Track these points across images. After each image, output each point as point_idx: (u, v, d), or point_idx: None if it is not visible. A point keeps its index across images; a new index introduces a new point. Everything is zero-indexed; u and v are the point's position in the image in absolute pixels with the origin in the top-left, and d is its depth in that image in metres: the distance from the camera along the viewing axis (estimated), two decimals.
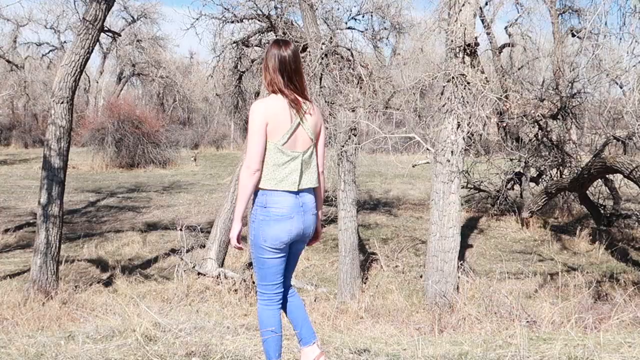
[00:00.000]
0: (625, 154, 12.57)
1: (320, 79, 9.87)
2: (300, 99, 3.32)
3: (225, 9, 12.84)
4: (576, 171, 12.31)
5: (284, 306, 3.50)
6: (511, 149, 14.89)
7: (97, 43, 11.61)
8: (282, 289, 3.43)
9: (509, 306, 6.84)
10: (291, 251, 3.42)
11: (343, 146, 9.80)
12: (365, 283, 10.47)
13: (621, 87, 18.35)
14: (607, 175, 12.92)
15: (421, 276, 10.11)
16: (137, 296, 8.30)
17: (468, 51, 8.29)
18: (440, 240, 8.47)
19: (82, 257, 12.09)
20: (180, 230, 10.64)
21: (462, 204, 9.76)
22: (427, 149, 8.94)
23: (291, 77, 3.31)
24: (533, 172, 14.89)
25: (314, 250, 12.25)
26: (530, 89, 15.99)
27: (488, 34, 20.43)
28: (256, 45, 13.68)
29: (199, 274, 10.30)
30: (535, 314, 6.84)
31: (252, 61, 13.95)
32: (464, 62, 8.30)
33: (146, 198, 18.76)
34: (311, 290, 9.95)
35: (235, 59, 13.80)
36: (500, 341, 4.72)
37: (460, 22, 8.20)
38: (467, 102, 8.23)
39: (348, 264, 9.89)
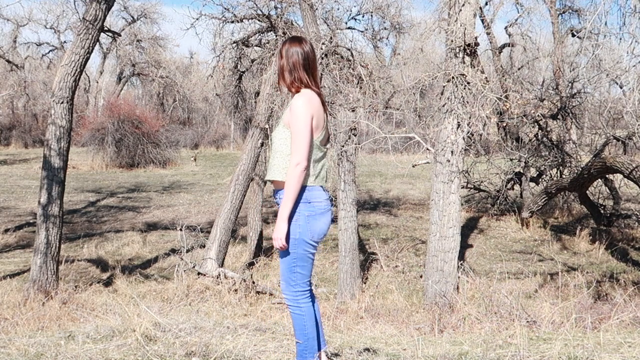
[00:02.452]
0: (625, 154, 12.57)
1: (320, 79, 9.88)
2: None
3: (225, 9, 12.83)
4: (576, 171, 12.30)
5: None
6: (511, 149, 14.89)
7: (97, 43, 11.61)
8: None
9: (509, 306, 6.84)
10: None
11: (343, 146, 9.80)
12: (365, 283, 10.47)
13: (621, 87, 18.37)
14: (607, 175, 12.92)
15: (421, 276, 10.11)
16: (137, 296, 8.30)
17: (468, 51, 8.29)
18: (440, 240, 8.47)
19: (82, 257, 12.09)
20: (180, 230, 10.64)
21: (462, 204, 9.76)
22: (427, 149, 8.94)
23: (313, 73, 3.35)
24: (533, 172, 14.89)
25: None
26: (530, 89, 15.99)
27: (488, 34, 20.46)
28: (256, 45, 13.68)
29: (199, 274, 10.30)
30: (535, 314, 6.84)
31: (252, 61, 13.94)
32: (464, 62, 8.30)
33: (146, 198, 18.76)
34: None
35: (235, 59, 13.80)
36: (500, 341, 4.72)
37: (460, 22, 8.20)
38: (467, 102, 8.23)
39: (348, 264, 9.89)
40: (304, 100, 3.25)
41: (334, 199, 10.78)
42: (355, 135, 10.03)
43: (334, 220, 3.56)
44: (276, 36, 12.26)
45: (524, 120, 14.22)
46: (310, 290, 3.48)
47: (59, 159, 9.37)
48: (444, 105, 8.43)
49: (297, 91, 3.34)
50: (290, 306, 3.38)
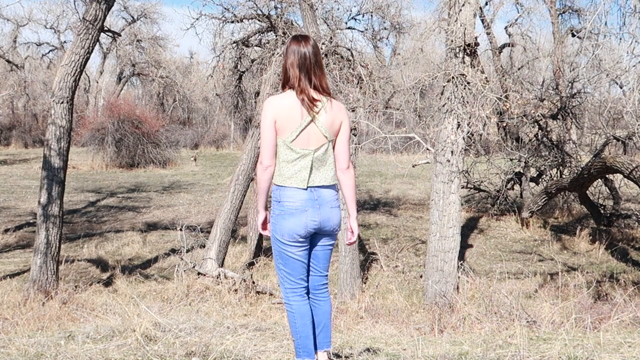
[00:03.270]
0: (625, 154, 12.56)
1: None
2: (316, 95, 3.31)
3: (225, 9, 12.84)
4: (576, 171, 12.30)
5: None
6: (511, 149, 14.89)
7: (97, 43, 11.61)
8: (307, 283, 3.46)
9: (509, 306, 6.84)
10: (315, 246, 3.43)
11: None
12: (365, 283, 10.47)
13: (621, 87, 18.38)
14: (607, 175, 12.91)
15: (421, 276, 10.11)
16: (137, 296, 8.30)
17: (468, 51, 8.29)
18: (440, 240, 8.47)
19: (82, 257, 12.09)
20: (180, 230, 10.64)
21: (462, 204, 9.76)
22: (427, 149, 8.95)
23: (310, 72, 3.31)
24: (533, 172, 14.88)
25: None
26: (530, 89, 15.99)
27: (488, 34, 20.46)
28: (256, 45, 13.68)
29: (199, 274, 10.30)
30: (535, 314, 6.84)
31: (252, 61, 13.95)
32: (464, 62, 8.31)
33: (146, 198, 18.75)
34: None
35: (235, 59, 13.80)
36: (500, 341, 4.72)
37: (460, 22, 8.20)
38: (467, 102, 8.24)
39: (348, 264, 9.90)
40: (267, 102, 3.32)
41: None
42: (355, 135, 10.03)
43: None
44: (276, 36, 12.25)
45: (524, 120, 14.21)
46: (307, 288, 3.46)
47: (59, 159, 9.37)
48: (444, 105, 8.43)
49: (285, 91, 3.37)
50: (284, 303, 3.46)
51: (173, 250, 12.15)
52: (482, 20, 19.79)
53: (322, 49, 10.00)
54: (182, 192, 19.81)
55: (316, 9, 11.51)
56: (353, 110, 9.90)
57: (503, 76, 17.41)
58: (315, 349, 3.45)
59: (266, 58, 12.49)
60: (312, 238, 3.40)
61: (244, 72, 14.18)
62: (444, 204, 8.44)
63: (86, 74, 35.21)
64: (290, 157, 3.29)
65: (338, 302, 9.06)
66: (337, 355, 4.11)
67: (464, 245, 11.68)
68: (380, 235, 13.76)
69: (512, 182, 15.18)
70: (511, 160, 15.17)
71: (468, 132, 8.48)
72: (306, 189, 3.30)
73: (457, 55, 8.31)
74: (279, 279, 3.46)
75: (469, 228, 14.06)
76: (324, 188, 3.35)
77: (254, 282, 10.01)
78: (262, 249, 12.42)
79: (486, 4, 22.40)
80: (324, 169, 3.35)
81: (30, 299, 8.68)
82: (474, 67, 8.46)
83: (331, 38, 10.97)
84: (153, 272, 11.33)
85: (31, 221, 14.37)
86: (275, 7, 12.62)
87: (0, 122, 36.53)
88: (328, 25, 13.99)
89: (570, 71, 18.07)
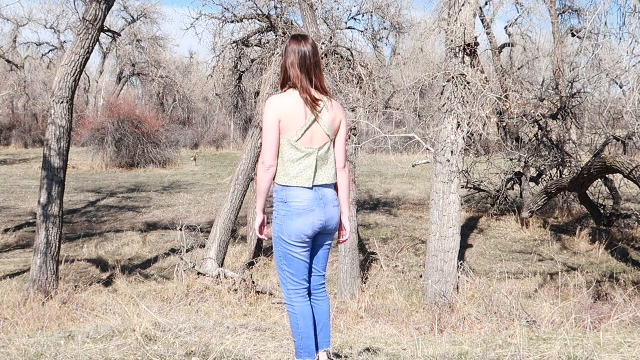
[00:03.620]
0: (625, 154, 12.56)
1: None
2: (317, 94, 3.32)
3: (225, 9, 12.83)
4: (576, 171, 12.30)
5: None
6: (511, 149, 14.89)
7: (97, 43, 11.61)
8: (309, 283, 3.45)
9: (509, 306, 6.84)
10: (317, 245, 3.43)
11: None
12: (365, 283, 10.47)
13: (621, 87, 18.38)
14: (607, 175, 12.91)
15: (421, 276, 10.11)
16: (137, 296, 8.30)
17: (468, 51, 8.29)
18: (440, 240, 8.47)
19: (82, 257, 12.09)
20: (180, 230, 10.64)
21: (462, 204, 9.76)
22: (427, 149, 8.95)
23: (310, 72, 3.31)
24: (533, 172, 14.89)
25: None
26: (530, 89, 15.99)
27: (488, 34, 20.47)
28: (256, 45, 13.68)
29: (199, 274, 10.30)
30: (535, 314, 6.84)
31: (252, 61, 13.95)
32: (464, 62, 8.30)
33: (146, 198, 18.76)
34: None
35: (235, 59, 13.80)
36: (500, 341, 4.72)
37: (460, 22, 8.20)
38: (467, 102, 8.23)
39: (348, 264, 9.90)
40: (271, 101, 3.30)
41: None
42: (355, 135, 10.04)
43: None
44: (276, 36, 12.26)
45: (524, 120, 14.21)
46: (309, 289, 3.46)
47: (59, 159, 9.37)
48: (444, 105, 8.43)
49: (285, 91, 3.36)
50: (285, 304, 3.44)
51: (173, 250, 12.15)
52: (482, 20, 19.80)
53: (322, 49, 10.00)
54: (182, 192, 19.81)
55: (316, 9, 11.51)
56: (353, 110, 9.90)
57: (503, 76, 17.41)
58: (316, 349, 3.45)
59: (266, 58, 12.49)
60: (315, 238, 3.40)
61: (244, 72, 14.18)
62: (444, 204, 8.44)
63: (86, 74, 35.22)
64: (295, 156, 3.29)
65: (338, 302, 9.06)
66: (337, 355, 4.11)
67: (464, 245, 11.68)
68: (380, 235, 13.76)
69: (512, 182, 15.18)
70: (511, 160, 15.17)
71: (468, 132, 8.48)
72: (312, 189, 3.30)
73: (457, 55, 8.31)
74: (281, 280, 3.44)
75: (469, 228, 14.06)
76: (327, 187, 3.37)
77: (254, 282, 10.01)
78: (262, 249, 12.42)
79: (486, 4, 22.41)
80: (327, 167, 3.36)
81: (30, 299, 8.68)
82: (474, 67, 8.46)
83: (331, 38, 10.98)
84: (153, 272, 11.33)
85: (31, 221, 14.37)
86: (275, 7, 12.62)
87: (0, 122, 36.53)
88: (328, 25, 13.98)
89: (570, 71, 18.08)
